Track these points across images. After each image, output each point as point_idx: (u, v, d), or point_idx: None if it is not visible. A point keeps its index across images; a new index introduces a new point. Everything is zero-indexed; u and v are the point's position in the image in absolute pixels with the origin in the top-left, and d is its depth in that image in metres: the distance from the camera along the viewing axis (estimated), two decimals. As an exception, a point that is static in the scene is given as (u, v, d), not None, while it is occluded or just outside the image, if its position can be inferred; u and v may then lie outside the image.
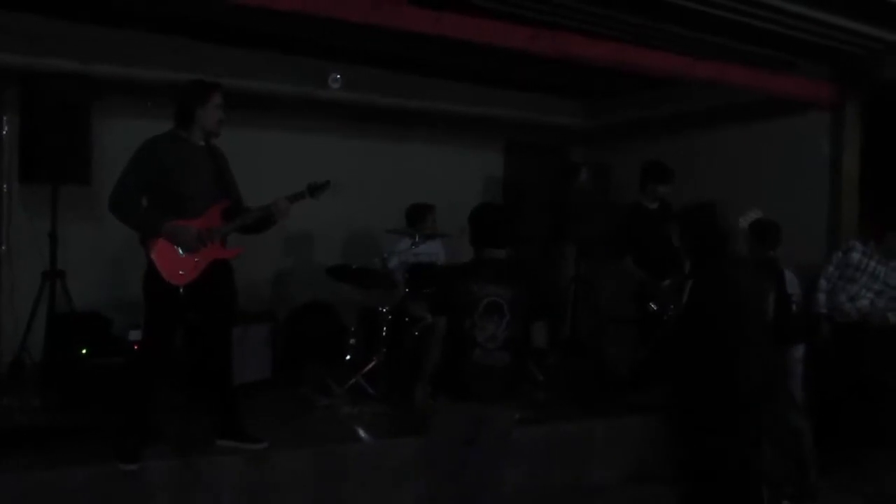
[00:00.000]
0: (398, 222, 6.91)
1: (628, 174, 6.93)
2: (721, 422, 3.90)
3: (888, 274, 5.99)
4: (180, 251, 4.42)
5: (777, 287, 5.17)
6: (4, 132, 6.17)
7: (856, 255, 6.02)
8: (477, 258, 4.09)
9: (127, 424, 4.47)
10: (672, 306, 6.15)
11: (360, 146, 7.80)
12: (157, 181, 4.42)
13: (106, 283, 6.41)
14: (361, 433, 5.35)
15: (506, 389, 3.98)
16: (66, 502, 4.24)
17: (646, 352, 6.40)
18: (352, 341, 6.58)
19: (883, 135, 6.74)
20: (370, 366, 6.12)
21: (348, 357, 6.50)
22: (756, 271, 4.79)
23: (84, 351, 5.63)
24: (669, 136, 8.04)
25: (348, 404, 5.90)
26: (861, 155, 6.80)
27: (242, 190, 4.83)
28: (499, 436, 4.01)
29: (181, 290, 4.40)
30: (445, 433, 3.99)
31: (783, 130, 7.08)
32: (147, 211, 4.45)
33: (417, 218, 6.91)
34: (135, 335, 5.70)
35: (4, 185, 6.30)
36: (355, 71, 7.41)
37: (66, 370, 5.55)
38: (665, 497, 5.41)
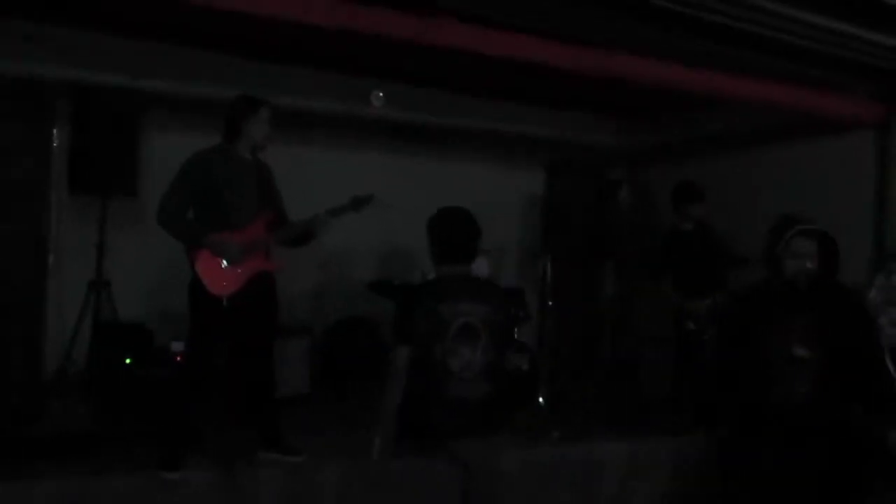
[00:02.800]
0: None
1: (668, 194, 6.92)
2: None
3: None
4: (224, 263, 4.49)
5: None
6: (55, 144, 6.28)
7: None
8: (443, 274, 3.60)
9: (169, 433, 4.52)
10: (711, 327, 6.15)
11: (401, 164, 7.83)
12: (203, 193, 4.50)
13: (150, 295, 6.47)
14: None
15: (487, 424, 3.46)
16: (109, 508, 4.31)
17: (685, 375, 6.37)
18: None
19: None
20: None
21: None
22: None
23: (128, 361, 5.71)
24: (711, 156, 7.99)
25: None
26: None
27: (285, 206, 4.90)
28: (486, 480, 3.46)
29: (224, 302, 4.46)
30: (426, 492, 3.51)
31: (827, 149, 7.00)
32: (192, 222, 4.53)
33: None
34: (177, 347, 5.79)
35: (54, 196, 6.39)
36: (397, 89, 7.45)
37: (110, 379, 5.63)
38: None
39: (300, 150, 7.23)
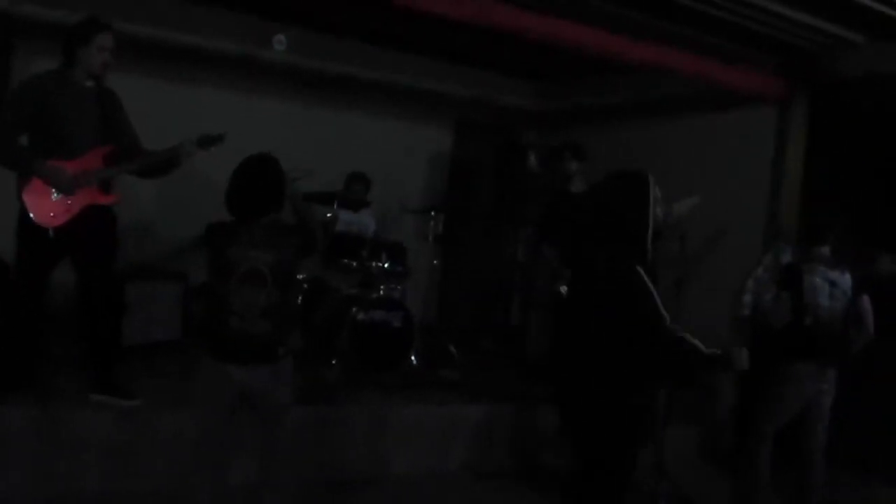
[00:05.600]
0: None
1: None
2: None
3: None
4: (54, 193, 4.27)
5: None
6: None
7: (786, 258, 5.83)
8: (239, 219, 3.64)
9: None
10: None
11: (301, 112, 7.54)
12: (35, 119, 4.26)
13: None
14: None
15: (266, 357, 3.60)
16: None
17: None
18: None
19: (830, 134, 6.54)
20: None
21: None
22: None
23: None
24: (620, 124, 7.87)
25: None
26: (806, 154, 6.61)
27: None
28: (265, 405, 3.69)
29: (51, 233, 4.25)
30: (209, 395, 3.67)
31: (729, 123, 6.90)
32: (23, 149, 4.30)
33: (347, 186, 6.83)
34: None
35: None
36: (301, 35, 7.22)
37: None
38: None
39: (192, 91, 6.99)
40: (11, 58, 5.93)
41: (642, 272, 3.37)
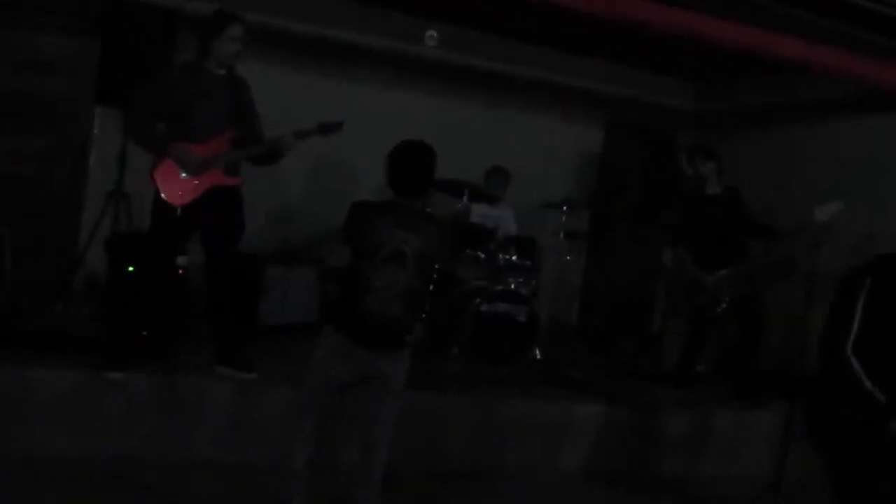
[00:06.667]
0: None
1: (736, 163, 6.49)
2: None
3: None
4: (182, 173, 4.55)
5: None
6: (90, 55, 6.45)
7: None
8: (391, 200, 3.75)
9: (117, 333, 4.66)
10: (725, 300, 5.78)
11: (449, 108, 7.64)
12: (169, 107, 4.57)
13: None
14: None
15: (394, 340, 3.67)
16: (51, 399, 4.45)
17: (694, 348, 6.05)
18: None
19: None
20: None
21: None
22: None
23: (130, 269, 5.87)
24: (782, 126, 7.46)
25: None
26: None
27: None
28: (383, 390, 3.72)
29: (178, 211, 4.54)
30: (325, 369, 3.73)
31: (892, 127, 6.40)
32: (157, 134, 4.60)
33: (487, 179, 6.89)
34: (182, 260, 5.90)
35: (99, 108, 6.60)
36: (451, 31, 7.31)
37: (114, 286, 5.81)
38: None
39: (343, 86, 7.23)
40: (175, 53, 6.31)
41: None
